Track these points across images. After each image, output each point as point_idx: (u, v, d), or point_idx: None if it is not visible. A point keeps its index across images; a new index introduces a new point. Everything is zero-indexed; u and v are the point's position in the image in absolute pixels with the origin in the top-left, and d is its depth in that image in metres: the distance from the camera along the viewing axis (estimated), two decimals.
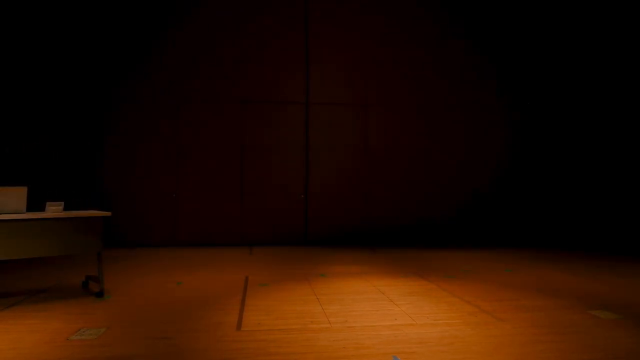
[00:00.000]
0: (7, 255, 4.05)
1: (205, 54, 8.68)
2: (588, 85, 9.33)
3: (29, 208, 4.31)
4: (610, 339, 3.27)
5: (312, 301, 4.34)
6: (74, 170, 8.11)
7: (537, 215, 9.36)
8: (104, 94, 8.34)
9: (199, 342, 3.19)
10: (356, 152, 9.11)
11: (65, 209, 4.50)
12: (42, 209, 4.38)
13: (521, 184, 9.47)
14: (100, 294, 4.47)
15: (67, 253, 4.49)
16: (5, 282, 4.98)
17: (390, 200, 9.11)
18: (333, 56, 9.08)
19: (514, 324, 3.63)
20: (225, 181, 8.58)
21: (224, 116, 8.67)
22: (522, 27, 9.56)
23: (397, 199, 9.11)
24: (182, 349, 3.07)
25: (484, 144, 9.43)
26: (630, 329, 3.52)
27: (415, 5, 9.31)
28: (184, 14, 8.65)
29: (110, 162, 8.31)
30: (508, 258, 7.07)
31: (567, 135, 9.48)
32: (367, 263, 6.64)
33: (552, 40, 9.57)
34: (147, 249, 7.65)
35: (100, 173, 8.27)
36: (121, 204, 8.18)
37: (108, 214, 4.70)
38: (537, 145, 9.54)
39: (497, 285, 5.08)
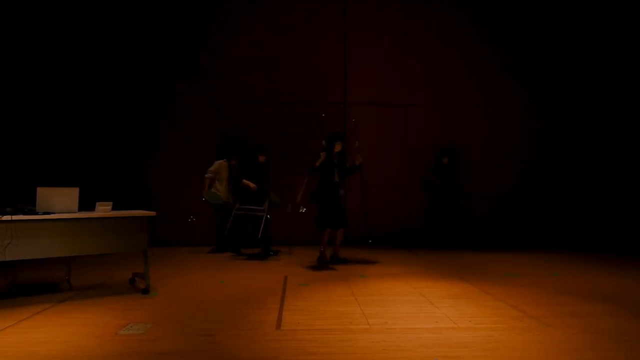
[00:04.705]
0: (60, 252, 4.27)
1: (246, 54, 8.82)
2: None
3: (81, 208, 4.50)
4: None
5: (351, 302, 4.32)
6: (122, 171, 8.42)
7: (579, 217, 8.85)
8: (153, 97, 8.66)
9: (240, 340, 3.24)
10: (394, 151, 9.01)
11: (113, 208, 4.68)
12: (92, 208, 4.57)
13: (558, 184, 9.08)
14: (146, 291, 4.63)
15: (115, 251, 4.69)
16: (58, 277, 5.23)
17: (428, 200, 8.96)
18: (371, 56, 9.02)
19: (562, 330, 3.47)
20: None
21: (264, 117, 8.78)
22: (553, 33, 9.18)
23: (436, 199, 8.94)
24: (224, 346, 3.13)
25: (519, 144, 9.15)
26: None
27: (452, 9, 9.19)
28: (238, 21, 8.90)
29: (156, 163, 8.59)
30: (551, 261, 6.79)
31: (600, 136, 8.94)
32: (406, 264, 6.56)
33: (577, 52, 9.07)
34: (189, 248, 7.85)
35: (147, 174, 8.56)
36: (164, 205, 8.38)
37: (153, 213, 4.86)
38: (571, 146, 9.12)
39: (542, 289, 4.88)
